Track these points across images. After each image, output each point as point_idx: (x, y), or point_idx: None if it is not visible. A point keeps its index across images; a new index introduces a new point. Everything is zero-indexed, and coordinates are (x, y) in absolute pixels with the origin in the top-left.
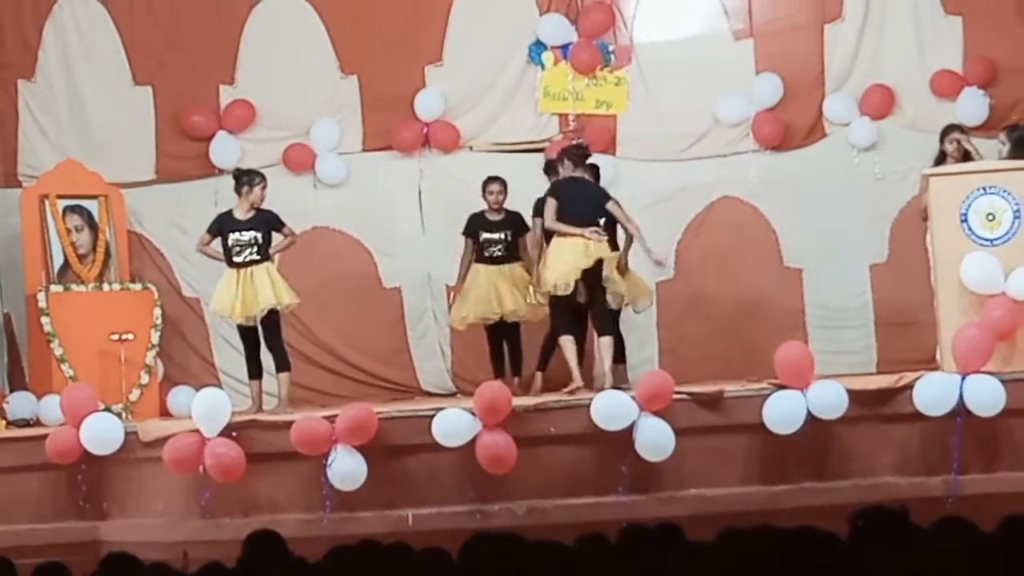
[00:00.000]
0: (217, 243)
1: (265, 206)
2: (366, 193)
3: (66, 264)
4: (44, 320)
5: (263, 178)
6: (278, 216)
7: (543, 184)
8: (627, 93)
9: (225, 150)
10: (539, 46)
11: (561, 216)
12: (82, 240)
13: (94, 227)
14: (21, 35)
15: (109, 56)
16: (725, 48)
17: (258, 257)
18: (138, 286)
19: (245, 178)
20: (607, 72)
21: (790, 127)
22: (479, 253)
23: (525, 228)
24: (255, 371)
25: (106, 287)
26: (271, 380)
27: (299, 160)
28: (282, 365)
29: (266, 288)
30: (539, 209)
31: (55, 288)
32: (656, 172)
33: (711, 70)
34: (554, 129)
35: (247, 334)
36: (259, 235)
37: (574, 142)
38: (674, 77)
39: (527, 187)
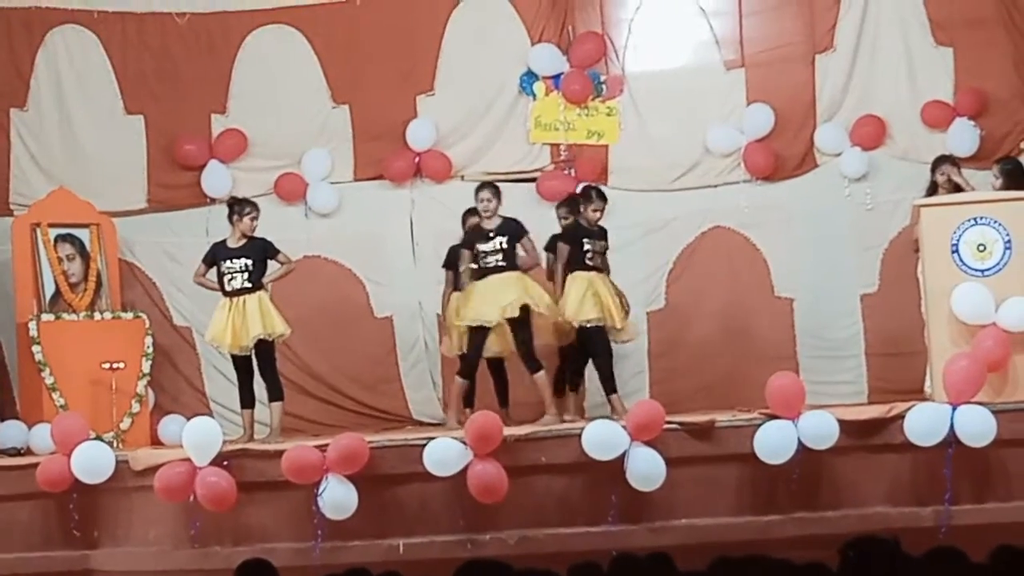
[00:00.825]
0: (212, 273)
1: (258, 235)
2: (358, 222)
3: (57, 293)
4: (35, 349)
5: (255, 208)
6: (272, 244)
7: (534, 213)
8: (619, 123)
9: (217, 179)
10: (531, 76)
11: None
12: (73, 269)
13: (85, 256)
14: (13, 64)
15: (101, 85)
16: (716, 78)
17: (249, 285)
18: (129, 315)
19: (237, 207)
20: (599, 102)
21: (781, 157)
22: (477, 268)
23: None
24: (247, 400)
25: (97, 316)
26: (264, 409)
27: (291, 189)
28: (275, 394)
29: (256, 317)
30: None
31: (46, 317)
32: (647, 202)
33: (702, 100)
34: (546, 159)
35: (240, 363)
36: (250, 262)
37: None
38: (666, 107)
39: (518, 216)
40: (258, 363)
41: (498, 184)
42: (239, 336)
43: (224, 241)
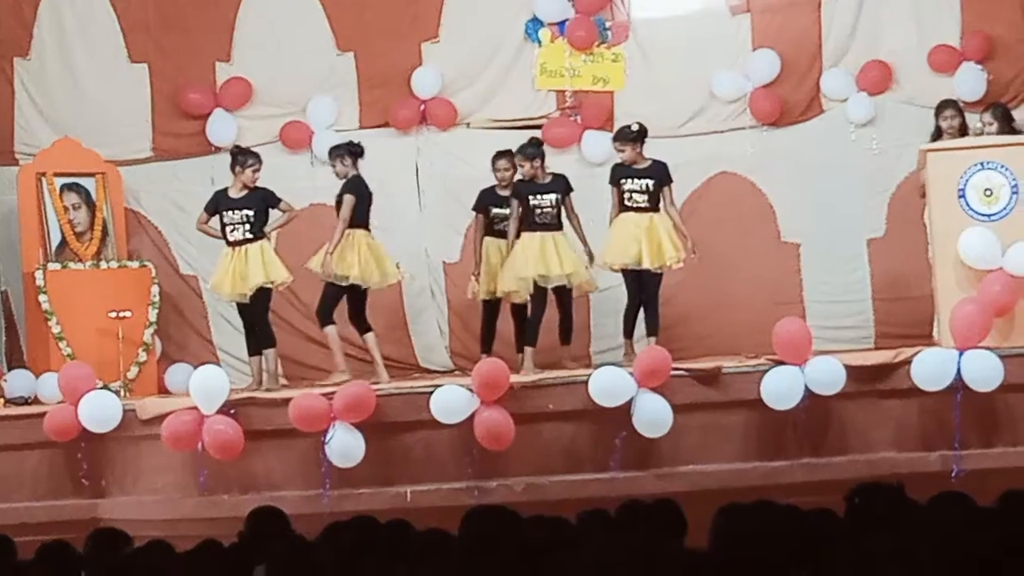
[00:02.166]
0: (215, 221)
1: (262, 184)
2: (363, 170)
3: (63, 242)
4: (42, 298)
5: (257, 159)
6: (273, 193)
7: None
8: (624, 69)
9: (222, 128)
10: (536, 23)
11: None
12: (79, 218)
13: (91, 205)
14: (16, 13)
15: (105, 34)
16: (722, 24)
17: (251, 235)
18: (135, 264)
19: (240, 157)
20: (604, 48)
21: (787, 103)
22: (488, 227)
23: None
24: (254, 347)
25: (104, 265)
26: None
27: (296, 137)
28: (266, 342)
29: (258, 266)
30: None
31: (53, 266)
32: (654, 148)
33: (708, 46)
34: (551, 106)
35: (244, 311)
36: (251, 213)
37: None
38: (671, 53)
39: None
40: (253, 310)
41: (528, 147)
42: (238, 284)
43: (226, 190)
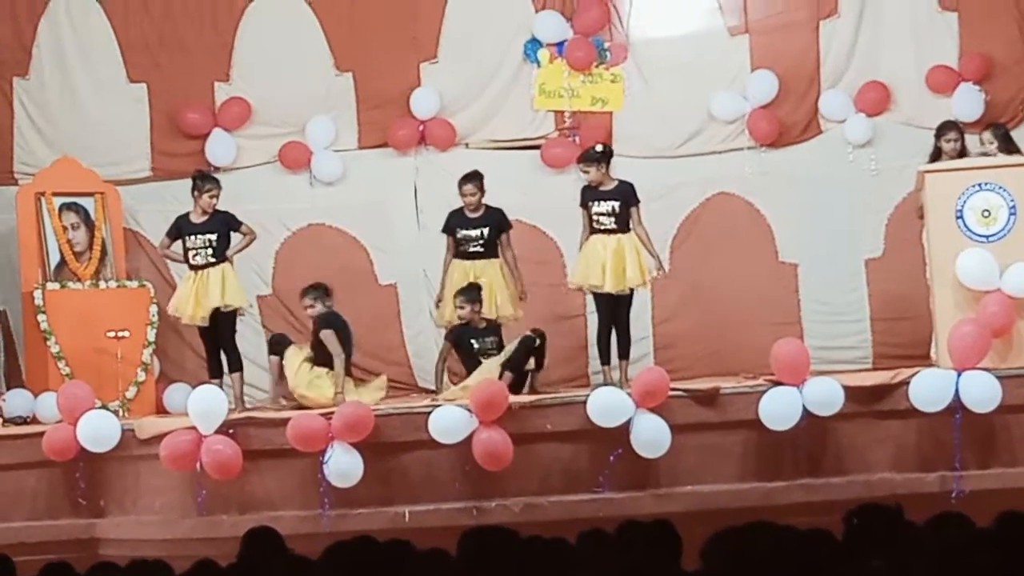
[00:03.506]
0: (178, 245)
1: (262, 204)
2: (362, 190)
3: (62, 262)
4: (40, 318)
5: (216, 184)
6: (234, 216)
7: (538, 180)
8: (623, 90)
9: (220, 148)
10: (535, 43)
11: None
12: (78, 238)
13: (90, 225)
14: (16, 32)
15: (104, 53)
16: (720, 45)
17: (214, 259)
18: (134, 283)
19: (198, 182)
20: (603, 69)
21: (785, 124)
22: (456, 249)
23: (505, 225)
24: (216, 370)
25: (102, 284)
26: (263, 374)
27: (295, 158)
28: (235, 365)
29: (216, 290)
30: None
31: (51, 286)
32: (652, 169)
33: (706, 67)
34: (550, 126)
35: (206, 334)
36: (214, 237)
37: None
38: (670, 74)
39: (522, 183)
40: (219, 334)
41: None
42: (199, 307)
43: (188, 215)
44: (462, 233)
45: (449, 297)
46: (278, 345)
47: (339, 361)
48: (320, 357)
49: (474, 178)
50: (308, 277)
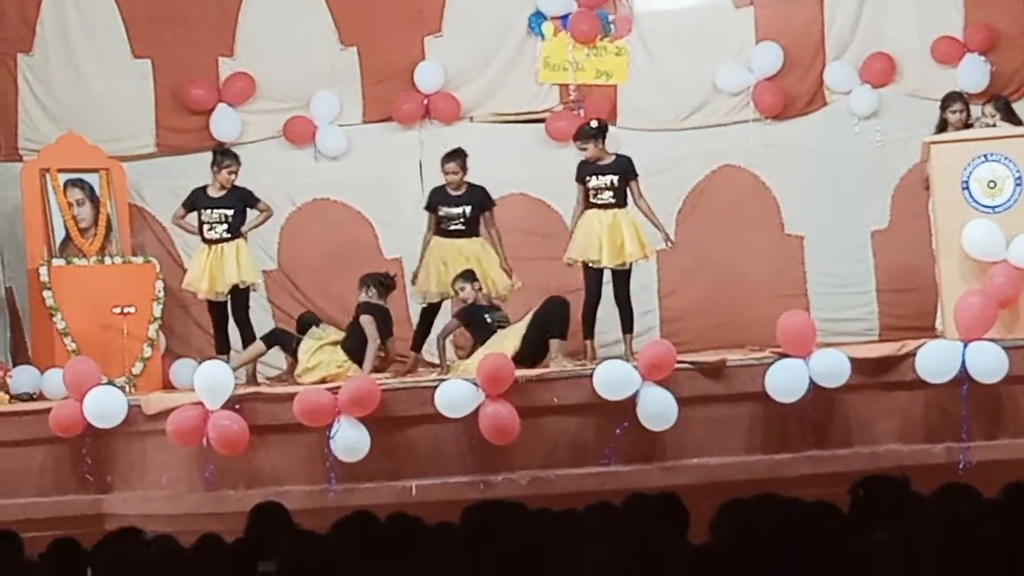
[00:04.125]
0: (193, 217)
1: (267, 179)
2: (367, 165)
3: (68, 238)
4: (46, 294)
5: (235, 160)
6: (251, 193)
7: (543, 154)
8: (627, 63)
9: (225, 123)
10: (539, 16)
11: None
12: (83, 214)
13: (95, 201)
14: (20, 8)
15: (108, 29)
16: (725, 17)
17: (228, 235)
18: (140, 259)
19: (218, 157)
20: (607, 42)
21: (791, 96)
22: (437, 227)
23: (488, 203)
24: (223, 346)
25: (108, 260)
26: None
27: (299, 132)
28: (248, 341)
29: (233, 265)
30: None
31: (57, 262)
32: (657, 141)
33: (711, 39)
34: (555, 99)
35: (215, 309)
36: (229, 213)
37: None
38: (674, 46)
39: (527, 157)
40: (233, 310)
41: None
42: (214, 282)
43: (205, 188)
44: (444, 211)
45: (426, 273)
46: (304, 324)
47: (372, 345)
48: (353, 341)
49: (456, 156)
50: (313, 252)
